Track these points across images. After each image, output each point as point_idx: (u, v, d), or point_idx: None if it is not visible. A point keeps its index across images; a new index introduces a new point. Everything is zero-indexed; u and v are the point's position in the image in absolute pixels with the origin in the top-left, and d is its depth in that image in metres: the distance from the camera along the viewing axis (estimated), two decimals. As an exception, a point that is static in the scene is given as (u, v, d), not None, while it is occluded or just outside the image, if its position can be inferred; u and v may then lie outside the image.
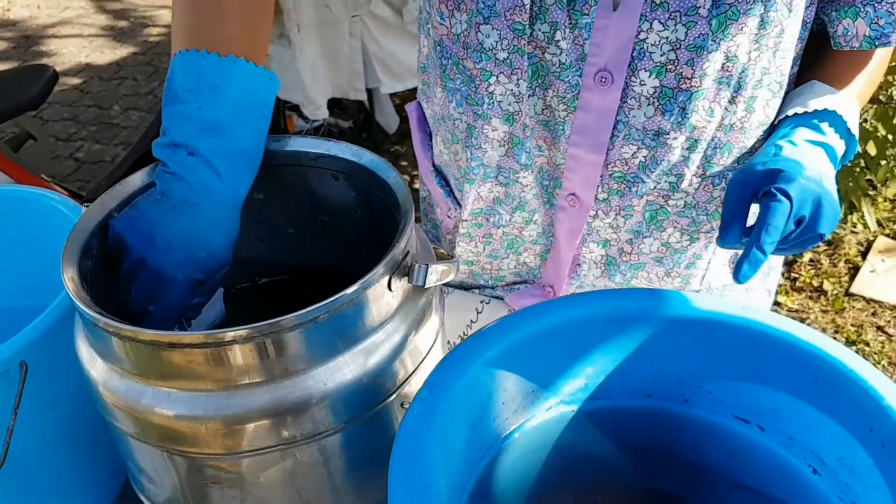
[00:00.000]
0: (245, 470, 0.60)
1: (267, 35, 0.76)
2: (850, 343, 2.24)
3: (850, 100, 0.79)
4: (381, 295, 0.60)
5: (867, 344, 2.24)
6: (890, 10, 0.76)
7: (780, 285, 2.40)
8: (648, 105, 0.78)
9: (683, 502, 0.72)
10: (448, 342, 0.96)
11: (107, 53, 4.53)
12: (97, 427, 0.64)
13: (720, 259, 0.96)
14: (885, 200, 2.67)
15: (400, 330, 0.63)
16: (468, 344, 0.62)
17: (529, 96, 0.81)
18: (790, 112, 0.79)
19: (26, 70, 2.58)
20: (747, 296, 1.02)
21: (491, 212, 0.95)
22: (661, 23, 0.73)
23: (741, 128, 0.81)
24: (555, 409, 0.69)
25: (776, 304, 2.34)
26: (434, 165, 1.02)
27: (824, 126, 0.76)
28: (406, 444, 0.54)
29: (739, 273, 0.69)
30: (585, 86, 0.78)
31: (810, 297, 2.41)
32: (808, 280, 2.46)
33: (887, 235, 2.60)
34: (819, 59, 0.84)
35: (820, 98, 0.78)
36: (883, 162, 2.20)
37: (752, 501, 0.68)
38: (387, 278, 0.59)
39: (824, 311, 2.36)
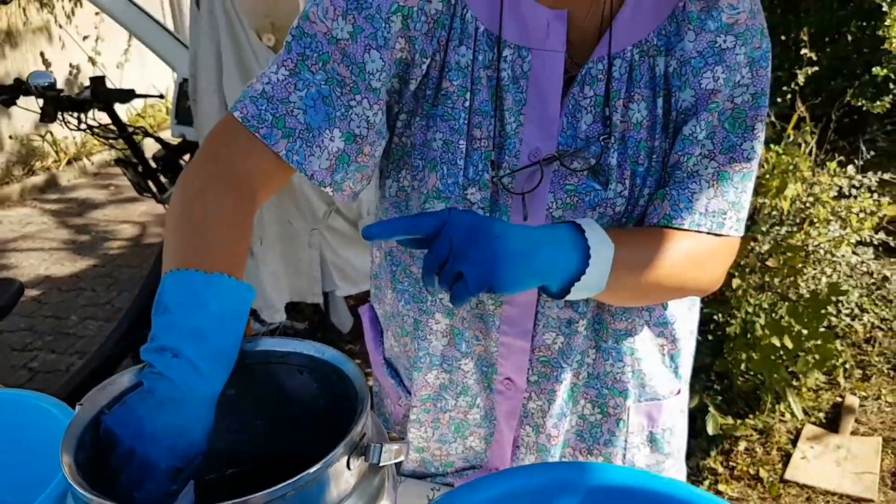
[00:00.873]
0: None
1: (245, 250, 0.88)
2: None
3: (605, 238, 0.81)
4: (341, 473, 0.69)
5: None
6: (690, 198, 0.91)
7: (719, 474, 2.49)
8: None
9: None
10: (402, 527, 1.02)
11: (66, 266, 4.66)
12: None
13: (637, 439, 1.07)
14: (808, 390, 2.83)
15: (357, 507, 0.71)
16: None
17: None
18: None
19: (-9, 283, 2.68)
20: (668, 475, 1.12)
21: (438, 397, 1.06)
22: None
23: (614, 312, 0.98)
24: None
25: (717, 492, 2.41)
26: (385, 359, 1.14)
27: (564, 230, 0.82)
28: None
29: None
30: None
31: (748, 486, 2.49)
32: (744, 468, 2.55)
33: (814, 423, 2.74)
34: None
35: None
36: (801, 353, 2.38)
37: None
38: (346, 458, 0.68)
39: (762, 499, 2.44)
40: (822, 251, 2.81)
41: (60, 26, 6.78)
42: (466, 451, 1.12)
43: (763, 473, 2.52)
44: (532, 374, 1.01)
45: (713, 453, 2.59)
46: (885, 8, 4.52)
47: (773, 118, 3.59)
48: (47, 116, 2.68)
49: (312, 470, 0.65)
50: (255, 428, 0.89)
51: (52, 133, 6.44)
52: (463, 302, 0.76)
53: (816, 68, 3.92)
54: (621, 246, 0.82)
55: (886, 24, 4.53)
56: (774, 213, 2.99)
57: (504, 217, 0.93)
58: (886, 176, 3.11)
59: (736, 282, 2.76)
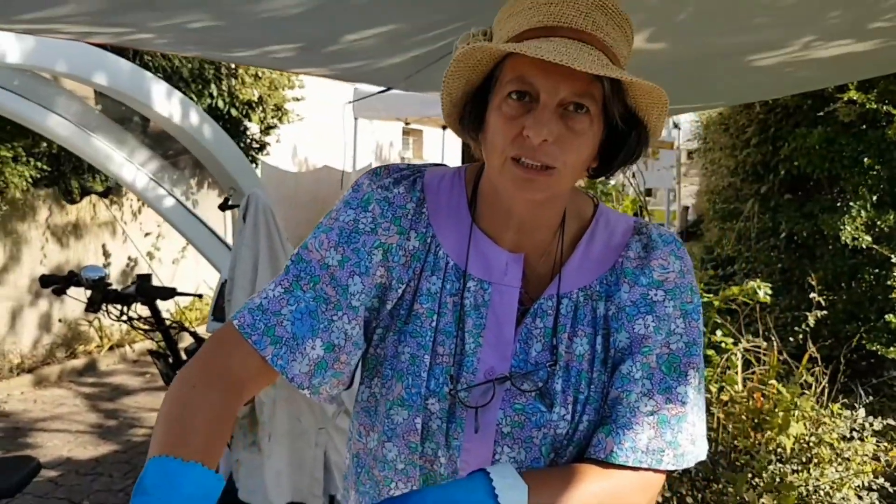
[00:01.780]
0: None
1: (222, 443, 1.00)
2: None
3: (517, 482, 0.92)
4: None
5: None
6: (633, 438, 1.03)
7: None
8: None
9: None
10: None
11: (88, 449, 4.75)
12: None
13: None
14: None
15: None
16: None
17: None
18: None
19: (11, 459, 2.81)
20: None
21: None
22: (509, 447, 1.03)
23: None
24: None
25: None
26: None
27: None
28: None
29: None
30: None
31: None
32: None
33: None
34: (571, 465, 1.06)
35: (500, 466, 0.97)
36: None
37: None
38: None
39: None
40: (822, 492, 2.79)
41: (125, 223, 7.35)
42: None
43: None
44: None
45: None
46: (893, 260, 4.72)
47: (785, 355, 3.69)
48: (93, 307, 2.94)
49: None
50: None
51: (99, 319, 6.77)
52: None
53: (826, 312, 4.06)
54: (537, 487, 0.93)
55: (895, 274, 4.72)
56: (780, 450, 3.02)
57: (459, 429, 1.05)
58: (891, 421, 3.13)
59: (736, 518, 2.74)
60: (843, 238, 4.93)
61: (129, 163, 3.28)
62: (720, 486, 3.01)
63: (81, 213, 6.82)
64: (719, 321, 3.63)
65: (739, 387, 3.34)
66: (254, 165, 8.01)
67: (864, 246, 4.93)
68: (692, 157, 11.66)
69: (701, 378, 1.09)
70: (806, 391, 3.35)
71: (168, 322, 3.10)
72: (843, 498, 2.80)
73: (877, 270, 5.04)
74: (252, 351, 1.04)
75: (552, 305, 1.07)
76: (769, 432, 3.03)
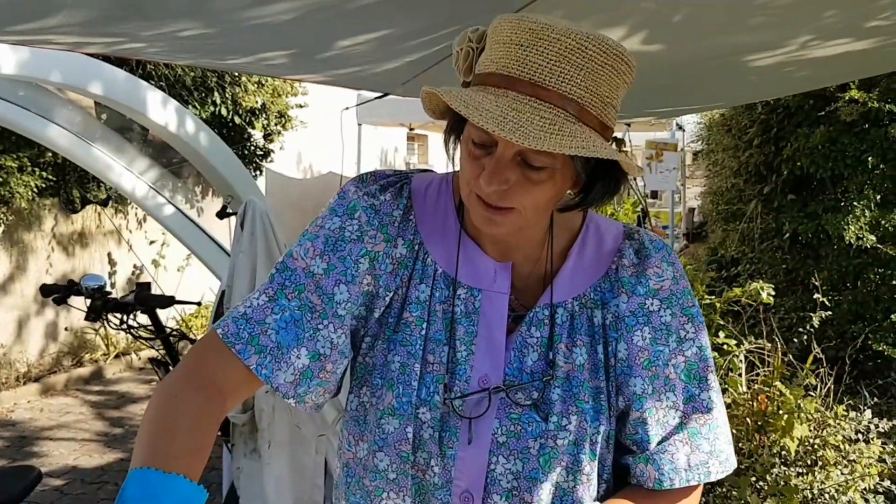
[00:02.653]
0: None
1: (205, 454, 0.98)
2: None
3: None
4: None
5: None
6: (672, 460, 1.04)
7: None
8: None
9: None
10: None
11: (94, 458, 4.76)
12: None
13: None
14: None
15: None
16: None
17: None
18: None
19: (12, 469, 2.81)
20: None
21: None
22: (505, 457, 1.01)
23: None
24: None
25: None
26: None
27: None
28: None
29: None
30: (453, 503, 1.03)
31: None
32: None
33: None
34: (624, 492, 1.09)
35: None
36: None
37: None
38: None
39: None
40: (827, 496, 2.77)
41: (130, 231, 7.38)
42: None
43: None
44: None
45: None
46: (899, 259, 4.70)
47: (789, 357, 3.67)
48: (92, 316, 2.94)
49: None
50: None
51: (105, 327, 6.78)
52: None
53: (831, 312, 4.04)
54: None
55: (900, 274, 4.69)
56: (784, 452, 3.00)
57: (453, 439, 1.03)
58: (896, 422, 3.11)
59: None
60: (847, 238, 4.91)
61: (128, 172, 3.28)
62: (724, 489, 2.99)
63: (87, 222, 6.85)
64: (722, 323, 3.61)
65: (743, 389, 3.32)
66: (258, 173, 8.03)
67: (868, 245, 4.90)
68: (697, 158, 11.64)
69: (717, 383, 1.09)
70: (810, 393, 3.33)
71: (169, 330, 3.10)
72: (849, 501, 2.78)
73: (882, 270, 5.01)
74: (236, 360, 1.03)
75: (547, 315, 1.06)
76: (773, 435, 3.01)
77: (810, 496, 2.79)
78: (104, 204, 6.90)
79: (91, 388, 6.32)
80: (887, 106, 4.73)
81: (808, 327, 4.11)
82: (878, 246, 4.85)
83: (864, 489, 2.87)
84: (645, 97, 2.71)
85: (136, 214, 7.40)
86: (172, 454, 0.91)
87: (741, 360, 3.43)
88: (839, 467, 2.89)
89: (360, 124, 8.98)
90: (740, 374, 3.38)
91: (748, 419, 3.14)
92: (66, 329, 6.58)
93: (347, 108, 4.24)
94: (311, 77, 2.64)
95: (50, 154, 5.87)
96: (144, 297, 2.93)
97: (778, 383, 3.20)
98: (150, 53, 2.12)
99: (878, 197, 5.03)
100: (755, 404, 3.17)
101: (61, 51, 2.36)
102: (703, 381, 1.06)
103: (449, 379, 1.05)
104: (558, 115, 0.90)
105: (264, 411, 2.76)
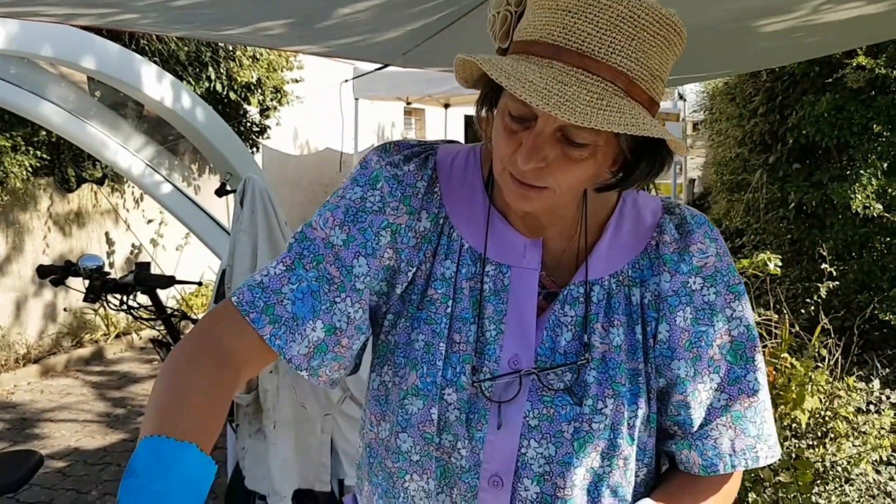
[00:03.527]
0: None
1: (218, 424, 0.94)
2: None
3: None
4: None
5: None
6: (714, 444, 1.00)
7: None
8: None
9: None
10: None
11: (97, 439, 4.74)
12: None
13: None
14: None
15: None
16: None
17: (437, 493, 1.00)
18: None
19: (13, 454, 2.78)
20: None
21: None
22: (537, 441, 0.96)
23: None
24: None
25: None
26: None
27: None
28: None
29: None
30: (482, 487, 0.98)
31: None
32: None
33: None
34: (667, 478, 1.06)
35: None
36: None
37: None
38: None
39: None
40: (839, 468, 2.75)
41: (128, 210, 7.31)
42: None
43: None
44: None
45: None
46: (906, 227, 4.65)
47: (797, 328, 3.63)
48: (91, 296, 2.89)
49: None
50: None
51: (104, 307, 6.74)
52: None
53: (838, 283, 3.99)
54: None
55: (908, 243, 4.64)
56: (794, 425, 2.97)
57: (482, 421, 0.98)
58: (908, 393, 3.08)
59: (752, 496, 2.70)
60: (853, 206, 4.85)
61: (124, 149, 3.21)
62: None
63: (83, 201, 6.78)
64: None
65: (752, 361, 3.27)
66: (254, 150, 7.95)
67: (875, 214, 4.85)
68: (698, 129, 11.54)
69: (763, 364, 1.05)
70: (819, 364, 3.29)
71: (170, 310, 3.05)
72: (861, 473, 2.75)
73: (888, 239, 4.96)
74: (250, 329, 0.98)
75: (582, 293, 1.01)
76: (783, 407, 2.97)
77: (822, 469, 2.76)
78: (100, 182, 6.83)
79: (92, 368, 6.29)
80: (894, 72, 4.65)
81: (814, 298, 4.06)
82: (885, 214, 4.79)
83: (876, 460, 2.85)
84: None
85: (132, 193, 7.33)
86: (185, 424, 0.87)
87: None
88: (850, 439, 2.86)
89: (356, 99, 8.88)
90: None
91: (757, 392, 3.10)
92: (64, 310, 6.53)
93: (347, 81, 4.17)
94: (309, 48, 2.57)
95: (44, 133, 5.79)
96: (144, 277, 2.87)
97: (786, 355, 3.17)
98: (143, 25, 2.05)
99: (885, 165, 4.97)
100: (764, 377, 3.13)
101: (51, 23, 2.29)
102: (750, 361, 1.01)
103: (477, 359, 1.00)
104: (606, 90, 0.84)
105: (269, 392, 2.71)
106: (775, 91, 5.68)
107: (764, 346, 3.42)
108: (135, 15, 1.83)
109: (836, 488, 2.72)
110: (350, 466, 2.86)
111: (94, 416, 5.14)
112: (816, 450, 2.80)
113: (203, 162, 7.48)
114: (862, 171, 4.97)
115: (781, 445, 2.80)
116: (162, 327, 3.04)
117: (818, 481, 2.71)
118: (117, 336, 6.85)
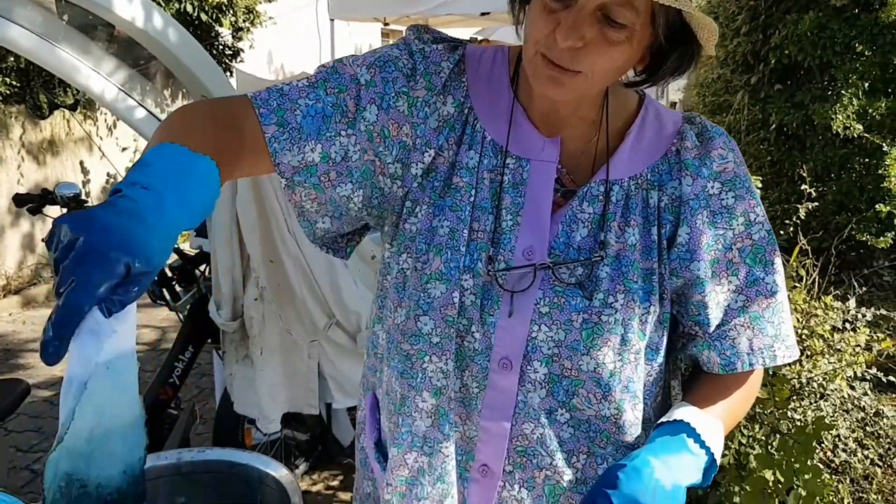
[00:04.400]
0: None
1: (232, 149, 0.95)
2: None
3: (710, 420, 0.99)
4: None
5: None
6: (732, 344, 1.03)
7: None
8: (541, 388, 1.01)
9: None
10: None
11: (82, 367, 4.74)
12: None
13: None
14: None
15: None
16: None
17: (454, 373, 1.03)
18: (660, 420, 1.00)
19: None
20: None
21: (414, 482, 1.09)
22: (547, 326, 0.99)
23: (615, 423, 1.03)
24: None
25: None
26: (375, 443, 1.18)
27: (683, 436, 0.96)
28: None
29: None
30: (492, 369, 1.02)
31: None
32: None
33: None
34: (695, 381, 1.10)
35: (682, 409, 1.00)
36: (794, 487, 2.37)
37: None
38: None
39: None
40: (815, 384, 2.82)
41: (101, 138, 7.16)
42: None
43: None
44: (508, 464, 1.05)
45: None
46: (885, 148, 4.66)
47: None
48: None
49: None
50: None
51: (83, 237, 6.66)
52: None
53: (817, 204, 4.02)
54: (717, 417, 1.00)
55: (887, 163, 4.67)
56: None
57: (494, 307, 1.01)
58: (883, 311, 3.14)
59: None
60: (834, 127, 4.85)
61: (96, 73, 3.11)
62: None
63: (56, 129, 6.62)
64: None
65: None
66: (228, 73, 7.76)
67: (855, 135, 4.85)
68: (679, 49, 11.36)
69: (781, 267, 1.07)
70: (797, 284, 3.34)
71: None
72: (836, 388, 2.82)
73: (867, 160, 4.99)
74: (255, 122, 1.00)
75: (602, 191, 1.03)
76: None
77: (798, 385, 2.83)
78: (73, 108, 6.66)
79: (73, 298, 6.25)
80: (879, -11, 4.59)
81: (794, 219, 4.09)
82: (865, 135, 4.80)
83: (851, 377, 2.92)
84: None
85: (105, 120, 7.17)
86: (197, 142, 0.84)
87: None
88: (826, 356, 2.93)
89: (332, 20, 8.65)
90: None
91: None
92: (42, 240, 6.42)
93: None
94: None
95: (13, 58, 5.61)
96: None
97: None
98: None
99: (866, 85, 4.95)
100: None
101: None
102: (769, 264, 1.04)
103: (493, 249, 1.03)
104: None
105: (254, 318, 2.72)
106: (758, 10, 5.60)
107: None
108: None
109: (811, 403, 2.79)
110: (337, 390, 2.90)
111: (78, 346, 5.13)
112: (793, 367, 2.87)
113: (176, 87, 7.30)
114: (843, 92, 4.95)
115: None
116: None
117: (794, 397, 2.78)
118: (97, 265, 6.78)
